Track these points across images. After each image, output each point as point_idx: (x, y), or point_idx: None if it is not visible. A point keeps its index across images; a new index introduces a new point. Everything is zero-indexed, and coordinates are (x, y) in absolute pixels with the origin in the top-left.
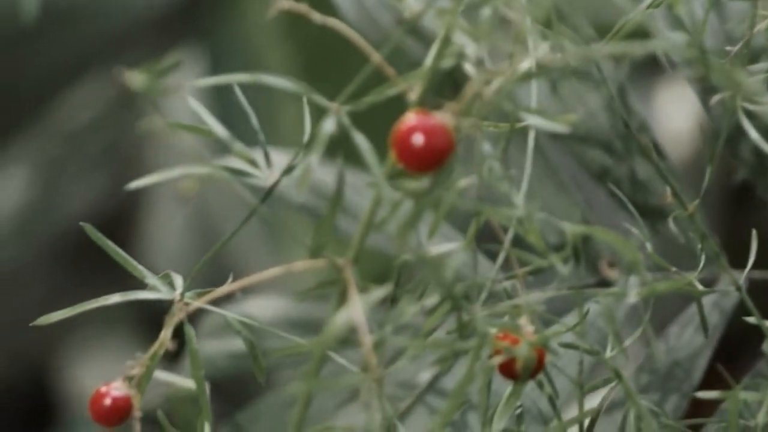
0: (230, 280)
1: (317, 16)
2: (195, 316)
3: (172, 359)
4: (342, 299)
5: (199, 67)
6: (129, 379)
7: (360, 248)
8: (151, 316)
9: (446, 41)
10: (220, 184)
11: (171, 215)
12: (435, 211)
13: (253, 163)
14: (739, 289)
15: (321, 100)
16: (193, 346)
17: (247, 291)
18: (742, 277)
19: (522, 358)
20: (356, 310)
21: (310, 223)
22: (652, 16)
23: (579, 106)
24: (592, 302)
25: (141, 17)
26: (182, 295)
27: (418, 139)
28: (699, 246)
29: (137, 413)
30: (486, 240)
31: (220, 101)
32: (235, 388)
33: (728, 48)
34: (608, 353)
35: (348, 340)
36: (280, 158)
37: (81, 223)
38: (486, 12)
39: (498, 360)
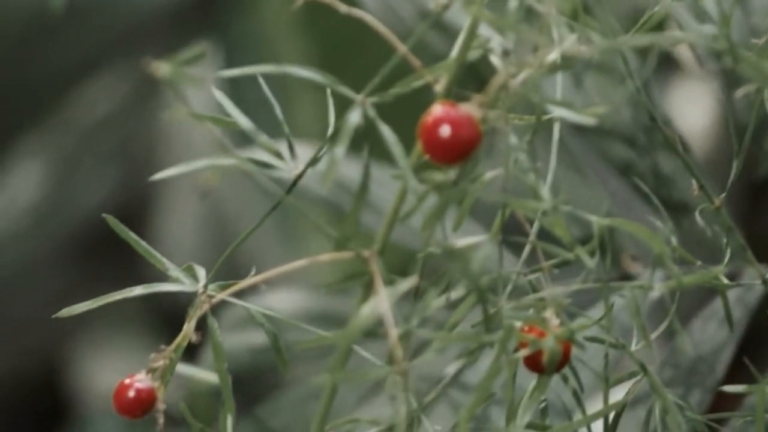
0: (253, 272)
1: (343, 7)
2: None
3: (185, 355)
4: (367, 291)
5: (214, 62)
6: (152, 371)
7: (386, 240)
8: (163, 313)
9: (472, 33)
10: (233, 179)
11: (184, 210)
12: (460, 204)
13: (278, 155)
14: (765, 282)
15: (346, 91)
16: (216, 338)
17: (264, 284)
18: None
19: (548, 350)
20: (382, 302)
21: (330, 216)
22: (677, 8)
23: (602, 101)
24: (616, 296)
25: (155, 12)
26: (205, 287)
27: (445, 130)
28: (724, 240)
29: (161, 405)
30: (509, 234)
31: (232, 98)
32: (250, 383)
33: (754, 41)
34: (633, 346)
35: (372, 332)
36: (303, 151)
37: (103, 215)
38: (513, 3)
39: (524, 353)
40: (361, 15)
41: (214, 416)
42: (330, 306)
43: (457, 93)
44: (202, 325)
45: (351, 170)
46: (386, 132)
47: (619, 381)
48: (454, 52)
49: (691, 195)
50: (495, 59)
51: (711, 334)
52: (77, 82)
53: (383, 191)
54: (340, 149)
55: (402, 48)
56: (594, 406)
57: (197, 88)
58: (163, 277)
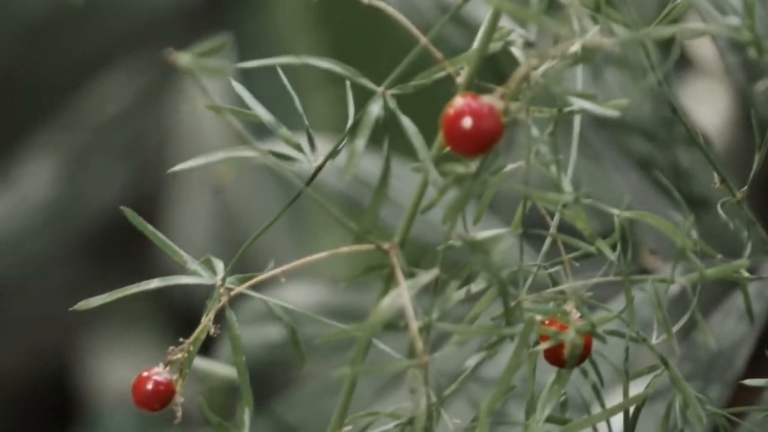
0: (271, 266)
1: None
2: (222, 310)
3: (198, 352)
4: (387, 284)
5: (227, 59)
6: (170, 364)
7: (406, 233)
8: (173, 311)
9: (494, 24)
10: (243, 175)
11: (195, 207)
12: (479, 197)
13: (298, 147)
14: None
15: (367, 82)
16: (234, 331)
17: (277, 279)
18: None
19: (570, 343)
20: (403, 294)
21: (345, 210)
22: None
23: (622, 94)
24: (635, 290)
25: (168, 10)
26: (223, 280)
27: (467, 122)
28: (745, 233)
29: (179, 398)
30: (528, 227)
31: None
32: (264, 379)
33: None
34: (654, 340)
35: (392, 325)
36: (319, 145)
37: (121, 207)
38: None
39: (544, 346)
40: (382, 6)
41: (229, 412)
42: (343, 300)
43: (477, 85)
44: (215, 320)
45: (366, 163)
46: (407, 123)
47: (639, 374)
48: (476, 43)
49: (709, 189)
50: (516, 51)
51: (730, 329)
52: (89, 79)
53: (400, 184)
54: (361, 141)
55: (423, 39)
56: (611, 400)
57: (213, 81)
58: (177, 272)
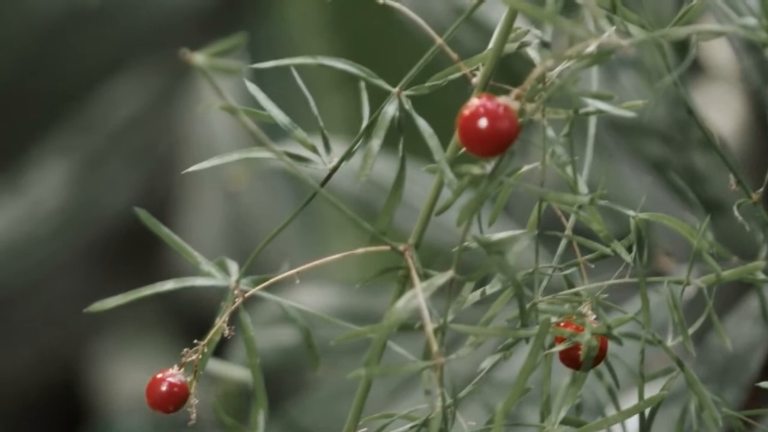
0: (285, 268)
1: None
2: (235, 313)
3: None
4: (402, 286)
5: (240, 62)
6: (184, 366)
7: (422, 234)
8: (183, 317)
9: (509, 24)
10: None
11: (207, 211)
12: (494, 199)
13: (313, 149)
14: None
15: (382, 83)
16: (249, 333)
17: (290, 282)
18: None
19: (586, 345)
20: (418, 296)
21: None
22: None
23: (636, 96)
24: (651, 292)
25: (181, 13)
26: (238, 281)
27: (483, 122)
28: (761, 235)
29: (194, 400)
30: (543, 229)
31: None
32: (276, 382)
33: None
34: (669, 342)
35: (407, 326)
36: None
37: (135, 208)
38: None
39: (560, 348)
40: (398, 7)
41: (243, 415)
42: (357, 303)
43: (492, 86)
44: (227, 323)
45: (378, 165)
46: (422, 124)
47: (655, 377)
48: (491, 43)
49: (724, 192)
50: (532, 51)
51: (746, 331)
52: (101, 83)
53: (413, 186)
54: (377, 142)
55: (439, 40)
56: (626, 403)
57: (226, 84)
58: (190, 276)
